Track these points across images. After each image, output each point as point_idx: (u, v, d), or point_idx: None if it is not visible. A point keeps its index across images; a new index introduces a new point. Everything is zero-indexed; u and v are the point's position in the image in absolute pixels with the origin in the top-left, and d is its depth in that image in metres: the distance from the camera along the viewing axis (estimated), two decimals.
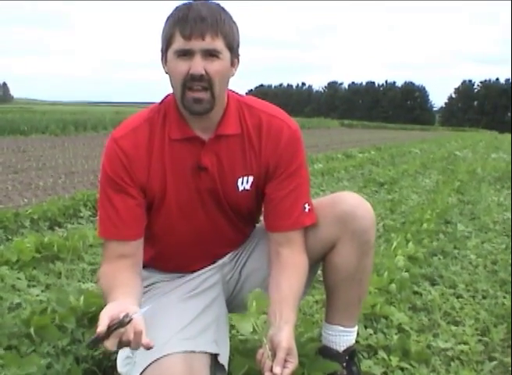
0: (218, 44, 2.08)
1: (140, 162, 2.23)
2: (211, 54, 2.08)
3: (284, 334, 2.08)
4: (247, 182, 2.34)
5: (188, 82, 2.10)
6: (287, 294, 2.22)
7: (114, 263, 2.25)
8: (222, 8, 2.14)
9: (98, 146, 18.89)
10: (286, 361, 2.03)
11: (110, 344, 1.81)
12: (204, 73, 2.07)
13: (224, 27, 2.08)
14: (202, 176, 2.28)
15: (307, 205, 2.35)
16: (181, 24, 2.06)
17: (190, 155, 2.26)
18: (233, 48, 2.15)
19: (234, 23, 2.17)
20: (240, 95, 2.37)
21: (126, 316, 1.82)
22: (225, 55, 2.11)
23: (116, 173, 2.21)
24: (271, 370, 2.01)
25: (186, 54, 2.08)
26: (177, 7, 2.13)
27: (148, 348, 1.85)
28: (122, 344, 1.84)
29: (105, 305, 1.97)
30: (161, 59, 2.18)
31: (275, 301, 2.18)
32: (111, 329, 1.81)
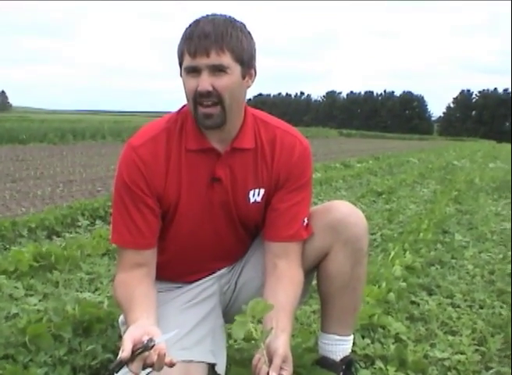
0: (225, 60, 2.09)
1: (158, 171, 2.24)
2: (218, 69, 2.10)
3: (281, 342, 2.08)
4: (259, 194, 2.37)
5: (198, 98, 2.13)
6: (284, 304, 2.23)
7: (130, 272, 2.28)
8: (231, 22, 2.15)
9: (96, 155, 18.92)
10: (281, 368, 2.03)
11: (135, 367, 1.85)
12: (211, 89, 2.10)
13: (230, 41, 2.09)
14: (216, 187, 2.30)
15: (306, 219, 2.39)
16: (187, 42, 2.10)
17: (205, 166, 2.28)
18: (244, 61, 2.16)
19: (246, 35, 2.17)
20: (254, 110, 2.40)
21: (150, 340, 1.86)
22: (235, 69, 2.13)
23: (134, 182, 2.23)
24: None
25: (194, 71, 2.11)
26: (189, 24, 2.16)
27: (171, 365, 1.89)
28: (145, 366, 1.87)
29: (124, 318, 2.13)
30: (180, 74, 2.21)
31: (274, 311, 2.19)
32: (135, 353, 1.85)
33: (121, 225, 2.28)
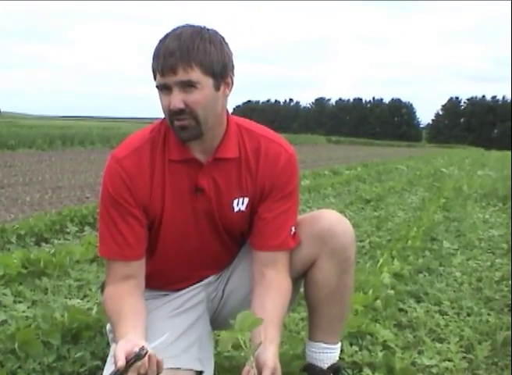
0: (193, 75, 2.07)
1: (143, 182, 2.25)
2: (188, 85, 2.09)
3: (269, 354, 2.09)
4: (243, 203, 2.37)
5: (172, 115, 2.13)
6: (272, 314, 2.23)
7: (119, 285, 2.28)
8: (199, 33, 2.11)
9: (85, 161, 18.88)
10: None
11: None
12: (182, 106, 2.10)
13: (197, 56, 2.07)
14: (199, 197, 2.31)
15: (293, 228, 2.39)
16: (156, 60, 2.11)
17: (188, 177, 2.28)
18: (216, 73, 2.13)
19: (216, 45, 2.13)
20: (238, 119, 2.40)
21: (142, 349, 1.89)
22: (205, 83, 2.11)
23: (119, 194, 2.23)
24: None
25: (165, 88, 2.11)
26: (159, 39, 2.16)
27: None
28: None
29: (113, 333, 2.16)
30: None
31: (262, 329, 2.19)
32: (129, 363, 1.88)
33: (108, 237, 2.28)
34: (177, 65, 2.05)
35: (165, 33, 2.15)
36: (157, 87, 2.14)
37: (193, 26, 2.15)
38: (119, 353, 1.89)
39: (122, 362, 1.86)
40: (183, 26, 2.15)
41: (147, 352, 1.89)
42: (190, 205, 2.31)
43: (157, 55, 2.10)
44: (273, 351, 2.11)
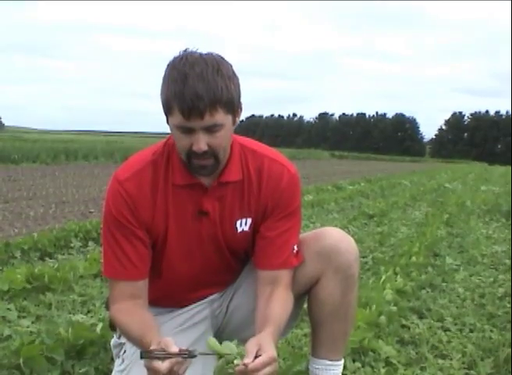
0: (218, 118, 2.05)
1: (145, 204, 2.26)
2: (212, 128, 2.07)
3: (256, 336, 2.06)
4: (246, 224, 2.38)
5: (192, 155, 2.11)
6: (268, 318, 2.20)
7: (126, 302, 2.29)
8: (219, 71, 2.06)
9: (89, 176, 18.90)
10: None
11: (164, 367, 1.88)
12: (206, 148, 2.09)
13: (222, 97, 2.03)
14: (203, 220, 2.32)
15: (295, 247, 2.39)
16: (178, 101, 2.03)
17: (192, 201, 2.29)
18: (235, 109, 2.13)
19: (232, 78, 2.10)
20: (241, 138, 2.40)
21: (195, 350, 1.93)
22: (227, 121, 2.10)
23: (122, 215, 2.24)
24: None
25: (186, 131, 2.08)
26: (173, 66, 2.08)
27: None
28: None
29: (137, 340, 2.16)
30: (167, 122, 2.16)
31: (258, 327, 2.20)
32: (181, 354, 1.91)
33: (112, 257, 2.29)
34: (205, 110, 2.02)
35: (176, 64, 2.07)
36: (176, 127, 2.10)
37: (204, 59, 2.07)
38: (170, 343, 1.92)
39: (176, 349, 1.90)
40: (195, 57, 2.08)
41: (195, 356, 1.93)
42: (194, 227, 2.33)
43: (180, 97, 2.02)
44: (262, 334, 2.07)
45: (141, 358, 1.91)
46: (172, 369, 1.89)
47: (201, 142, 2.07)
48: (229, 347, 1.97)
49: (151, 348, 1.93)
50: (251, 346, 1.95)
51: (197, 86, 2.00)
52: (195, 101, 2.00)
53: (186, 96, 2.00)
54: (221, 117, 2.06)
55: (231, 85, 2.08)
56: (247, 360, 1.90)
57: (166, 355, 1.89)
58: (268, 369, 1.91)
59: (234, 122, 2.18)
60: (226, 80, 2.06)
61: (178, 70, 2.05)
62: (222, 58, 2.13)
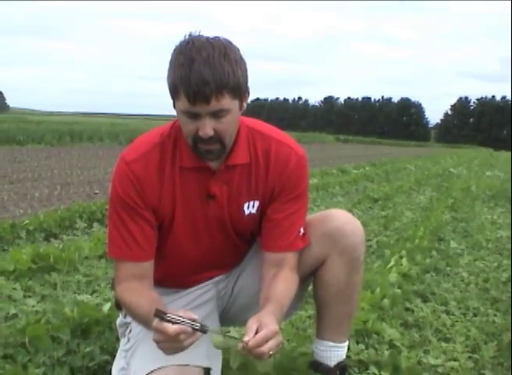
0: (225, 103, 2.03)
1: (152, 185, 2.25)
2: (219, 113, 2.05)
3: (256, 314, 2.04)
4: (253, 206, 2.37)
5: (198, 140, 2.10)
6: (270, 297, 2.20)
7: (132, 283, 2.28)
8: (226, 55, 2.03)
9: (94, 157, 18.92)
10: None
11: (172, 329, 1.86)
12: (212, 134, 2.07)
13: (229, 82, 2.01)
14: (210, 203, 2.31)
15: (302, 229, 2.39)
16: (184, 86, 2.00)
17: (199, 184, 2.29)
18: (241, 94, 2.10)
19: (239, 63, 2.07)
20: (248, 120, 2.38)
21: (207, 326, 1.91)
22: (234, 106, 2.08)
23: (129, 196, 2.23)
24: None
25: (192, 115, 2.06)
26: (179, 50, 2.06)
27: None
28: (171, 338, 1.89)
29: (145, 318, 2.10)
30: (173, 106, 2.14)
31: (262, 307, 2.18)
32: (193, 325, 1.88)
33: (118, 238, 2.29)
34: (211, 95, 1.99)
35: (183, 48, 2.05)
36: (182, 112, 2.08)
37: (211, 43, 2.04)
38: (189, 312, 1.92)
39: (191, 316, 1.89)
40: (201, 41, 2.05)
41: (206, 331, 1.91)
42: (201, 210, 2.32)
43: (186, 82, 1.99)
44: (263, 311, 2.07)
45: (154, 315, 1.89)
46: (178, 336, 1.87)
47: (207, 127, 2.05)
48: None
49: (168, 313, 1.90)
50: (251, 323, 1.95)
51: (204, 71, 1.98)
52: (201, 86, 1.98)
53: (192, 81, 1.98)
54: (227, 102, 2.04)
55: (238, 70, 2.05)
56: (246, 338, 1.89)
57: (178, 321, 1.86)
58: (271, 343, 1.91)
59: (241, 107, 2.15)
60: (233, 65, 2.03)
61: (184, 55, 2.02)
62: (230, 42, 2.10)
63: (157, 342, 1.93)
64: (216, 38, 2.08)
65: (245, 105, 2.19)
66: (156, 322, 1.89)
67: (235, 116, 2.12)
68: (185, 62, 2.01)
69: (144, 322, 2.16)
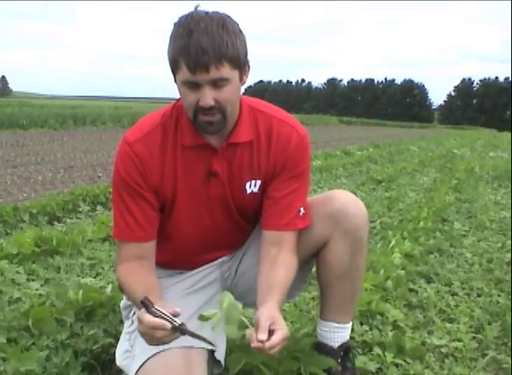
0: (224, 72, 2.03)
1: (154, 166, 2.25)
2: (219, 82, 2.05)
3: (266, 307, 2.06)
4: (255, 185, 2.37)
5: (199, 111, 2.09)
6: (274, 284, 2.21)
7: (132, 263, 2.30)
8: (224, 26, 2.04)
9: (97, 141, 18.92)
10: (271, 331, 1.95)
11: (147, 319, 1.93)
12: (213, 103, 2.06)
13: (228, 52, 2.02)
14: (212, 182, 2.31)
15: (302, 209, 2.37)
16: (183, 55, 2.02)
17: (201, 162, 2.28)
18: (241, 65, 2.11)
19: (238, 35, 2.08)
20: (250, 99, 2.38)
21: (183, 325, 1.95)
22: (234, 76, 2.08)
23: (131, 176, 2.24)
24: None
25: (193, 86, 2.06)
26: (179, 24, 2.07)
27: None
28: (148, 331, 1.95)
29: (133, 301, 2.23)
30: (174, 81, 2.15)
31: (262, 291, 2.21)
32: (173, 325, 1.92)
33: (120, 219, 2.30)
34: (211, 63, 2.00)
35: (182, 21, 2.06)
36: (182, 82, 2.08)
37: (210, 16, 2.06)
38: (173, 307, 1.97)
39: (173, 311, 1.95)
40: (200, 15, 2.06)
41: (185, 334, 1.96)
42: (204, 189, 2.32)
43: (186, 51, 2.01)
44: (269, 304, 2.08)
45: (141, 302, 1.94)
46: (156, 327, 1.92)
47: (208, 97, 2.05)
48: (235, 305, 1.97)
49: (155, 305, 1.95)
50: (264, 321, 1.95)
51: (202, 40, 1.99)
52: (200, 54, 1.99)
53: (191, 49, 1.99)
54: (227, 71, 2.04)
55: (237, 40, 2.06)
56: (262, 336, 1.90)
57: (161, 316, 1.91)
58: (280, 346, 1.93)
59: (241, 79, 2.15)
60: (232, 36, 2.04)
61: (183, 27, 2.03)
62: (229, 16, 2.11)
63: (138, 331, 2.00)
64: (215, 12, 2.10)
65: (245, 78, 2.19)
66: (141, 311, 1.95)
67: (235, 86, 2.12)
68: (184, 32, 2.02)
69: (138, 305, 2.17)
